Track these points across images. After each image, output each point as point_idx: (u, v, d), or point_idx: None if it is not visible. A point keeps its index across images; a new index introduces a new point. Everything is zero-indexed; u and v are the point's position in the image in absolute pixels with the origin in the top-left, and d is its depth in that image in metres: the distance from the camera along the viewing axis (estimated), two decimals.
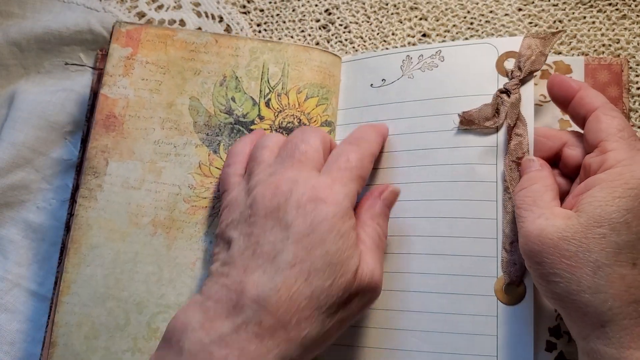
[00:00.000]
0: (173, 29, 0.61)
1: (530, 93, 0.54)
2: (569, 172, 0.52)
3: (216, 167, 0.57)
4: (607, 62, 0.57)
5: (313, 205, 0.46)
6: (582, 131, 0.51)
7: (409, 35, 0.65)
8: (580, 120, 0.50)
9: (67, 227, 0.60)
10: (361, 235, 0.49)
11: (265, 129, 0.58)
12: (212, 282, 0.46)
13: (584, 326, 0.44)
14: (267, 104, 0.59)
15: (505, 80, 0.55)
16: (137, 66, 0.59)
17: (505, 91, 0.54)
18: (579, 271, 0.43)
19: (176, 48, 0.60)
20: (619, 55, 0.60)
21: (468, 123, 0.54)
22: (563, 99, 0.51)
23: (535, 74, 0.55)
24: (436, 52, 0.58)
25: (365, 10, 0.66)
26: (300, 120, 0.58)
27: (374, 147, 0.53)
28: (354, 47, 0.65)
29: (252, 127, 0.58)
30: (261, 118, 0.58)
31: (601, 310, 0.42)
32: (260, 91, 0.59)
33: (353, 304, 0.46)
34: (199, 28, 0.67)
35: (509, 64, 0.55)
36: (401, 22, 0.65)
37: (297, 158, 0.49)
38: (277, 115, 0.59)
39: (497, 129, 0.54)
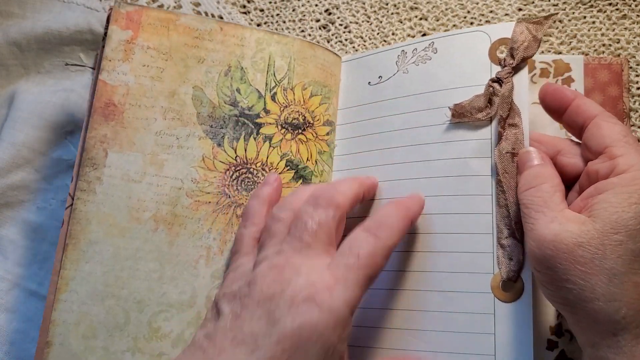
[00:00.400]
0: (176, 13, 0.58)
1: (525, 81, 0.53)
2: (565, 181, 0.50)
3: (220, 161, 0.56)
4: (607, 61, 0.58)
5: (306, 307, 0.43)
6: (575, 139, 0.51)
7: (409, 35, 0.65)
8: (577, 129, 0.50)
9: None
10: None
11: (270, 124, 0.57)
12: (189, 351, 0.45)
13: (594, 334, 0.43)
14: (273, 98, 0.58)
15: (499, 69, 0.53)
16: (137, 51, 0.56)
17: (497, 80, 0.52)
18: (593, 278, 0.42)
19: (179, 33, 0.57)
20: (619, 55, 0.60)
21: (460, 115, 0.53)
22: (557, 108, 0.51)
23: (534, 71, 0.55)
24: (429, 45, 0.57)
25: (365, 10, 0.66)
26: (305, 117, 0.58)
27: (395, 237, 0.48)
28: (354, 47, 0.66)
29: (257, 120, 0.57)
30: (267, 112, 0.57)
31: (614, 319, 0.42)
32: (266, 84, 0.58)
33: None
34: None
35: (502, 52, 0.54)
36: (401, 22, 0.66)
37: (305, 240, 0.47)
38: (283, 110, 0.58)
39: (490, 121, 0.53)
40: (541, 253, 0.44)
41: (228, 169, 0.56)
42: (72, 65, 0.67)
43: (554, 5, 0.63)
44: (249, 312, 0.44)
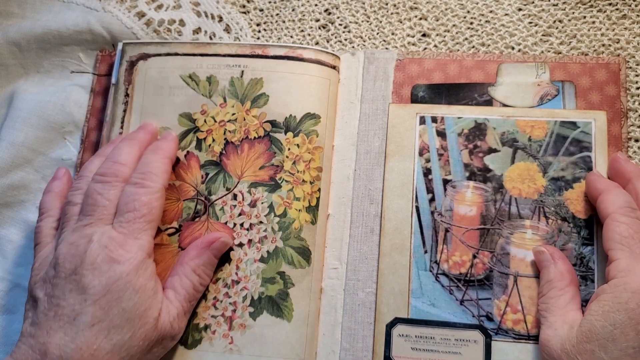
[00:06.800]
0: None
1: None
2: None
3: None
4: (605, 60, 0.60)
5: (107, 267, 0.50)
6: None
7: (408, 35, 0.67)
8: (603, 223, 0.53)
9: None
10: (176, 285, 0.55)
11: None
12: (21, 343, 0.50)
13: None
14: None
15: None
16: None
17: None
18: None
19: None
20: (618, 55, 0.62)
21: None
22: (592, 198, 0.55)
23: None
24: None
25: (365, 10, 0.68)
26: None
27: (162, 181, 0.56)
28: (353, 47, 0.67)
29: None
30: None
31: None
32: None
33: (154, 350, 0.52)
34: (199, 28, 0.69)
35: None
36: (401, 22, 0.67)
37: (96, 216, 0.53)
38: None
39: None
40: (542, 357, 0.50)
41: None
42: (77, 72, 0.69)
43: (553, 5, 0.65)
44: (60, 289, 0.50)
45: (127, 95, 0.63)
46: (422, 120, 0.61)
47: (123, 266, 0.50)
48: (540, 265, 0.54)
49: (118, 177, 0.55)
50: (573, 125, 0.59)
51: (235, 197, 0.59)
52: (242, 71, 0.62)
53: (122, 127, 0.62)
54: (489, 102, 0.61)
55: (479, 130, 0.60)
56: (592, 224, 0.56)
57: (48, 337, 0.48)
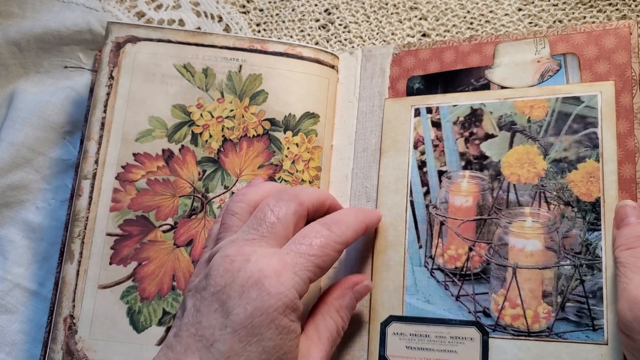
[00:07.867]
0: None
1: None
2: None
3: None
4: (613, 27, 0.57)
5: (256, 293, 0.45)
6: None
7: (408, 35, 0.67)
8: None
9: (67, 227, 0.62)
10: (320, 325, 0.50)
11: None
12: (162, 354, 0.47)
13: None
14: None
15: None
16: None
17: None
18: None
19: None
20: (630, 19, 0.62)
21: None
22: None
23: None
24: None
25: (365, 10, 0.69)
26: None
27: (348, 235, 0.51)
28: (353, 47, 0.68)
29: None
30: None
31: None
32: None
33: None
34: (199, 28, 0.70)
35: None
36: (401, 22, 0.68)
37: (260, 232, 0.49)
38: None
39: None
40: (633, 315, 0.45)
41: None
42: (71, 67, 0.69)
43: (553, 5, 0.66)
44: (206, 306, 0.46)
45: (111, 77, 0.61)
46: (417, 112, 0.60)
47: (272, 299, 0.45)
48: (625, 222, 0.50)
49: (298, 200, 0.51)
50: (577, 100, 0.56)
51: None
52: (241, 65, 0.62)
53: (105, 112, 0.61)
54: (487, 86, 0.59)
55: (474, 116, 0.58)
56: (598, 207, 0.53)
57: (184, 357, 0.45)
